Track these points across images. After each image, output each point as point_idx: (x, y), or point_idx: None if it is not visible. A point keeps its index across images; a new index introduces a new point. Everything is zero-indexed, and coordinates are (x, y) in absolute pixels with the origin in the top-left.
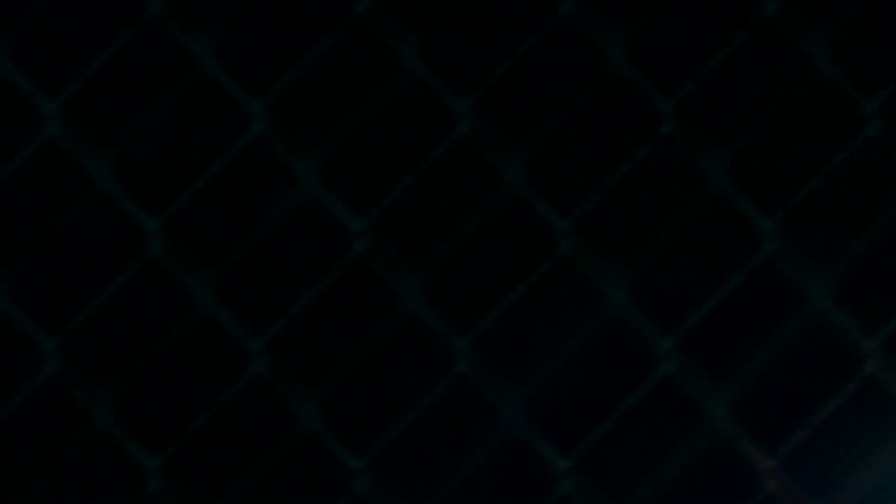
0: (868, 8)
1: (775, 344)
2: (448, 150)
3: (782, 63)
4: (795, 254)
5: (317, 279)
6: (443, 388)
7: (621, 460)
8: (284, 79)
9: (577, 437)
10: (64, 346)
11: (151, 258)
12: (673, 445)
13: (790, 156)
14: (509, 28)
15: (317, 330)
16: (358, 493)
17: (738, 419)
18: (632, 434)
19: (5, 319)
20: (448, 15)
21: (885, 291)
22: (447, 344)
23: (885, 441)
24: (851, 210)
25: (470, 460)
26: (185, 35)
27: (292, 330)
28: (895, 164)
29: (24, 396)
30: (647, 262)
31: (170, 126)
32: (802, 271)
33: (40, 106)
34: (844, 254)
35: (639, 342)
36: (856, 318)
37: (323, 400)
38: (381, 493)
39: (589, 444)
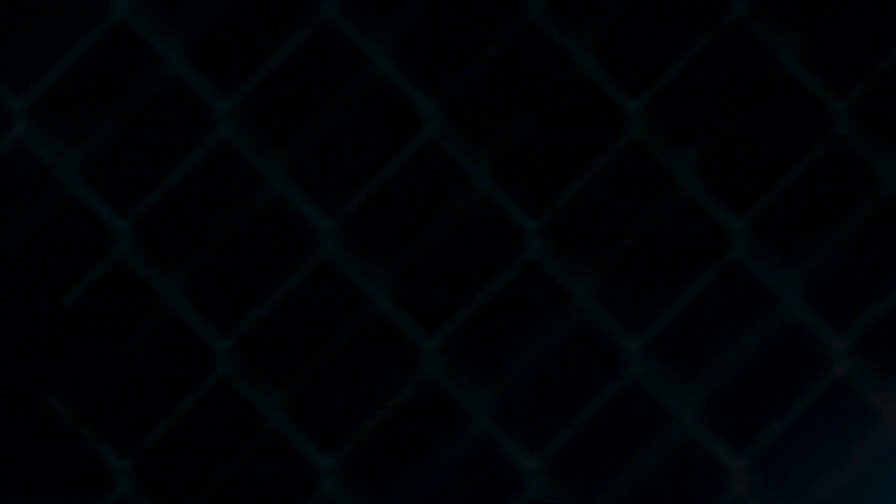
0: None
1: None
2: (620, 153)
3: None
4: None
5: (489, 281)
6: (614, 390)
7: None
8: (458, 80)
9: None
10: (237, 346)
11: (324, 259)
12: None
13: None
14: (686, 28)
15: (491, 331)
16: (531, 496)
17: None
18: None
19: (179, 320)
20: (619, 18)
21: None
22: (617, 346)
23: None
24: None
25: (642, 461)
26: (360, 37)
27: (466, 330)
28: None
29: (198, 397)
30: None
31: (344, 127)
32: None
33: (213, 106)
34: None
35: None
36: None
37: (494, 401)
38: (554, 492)
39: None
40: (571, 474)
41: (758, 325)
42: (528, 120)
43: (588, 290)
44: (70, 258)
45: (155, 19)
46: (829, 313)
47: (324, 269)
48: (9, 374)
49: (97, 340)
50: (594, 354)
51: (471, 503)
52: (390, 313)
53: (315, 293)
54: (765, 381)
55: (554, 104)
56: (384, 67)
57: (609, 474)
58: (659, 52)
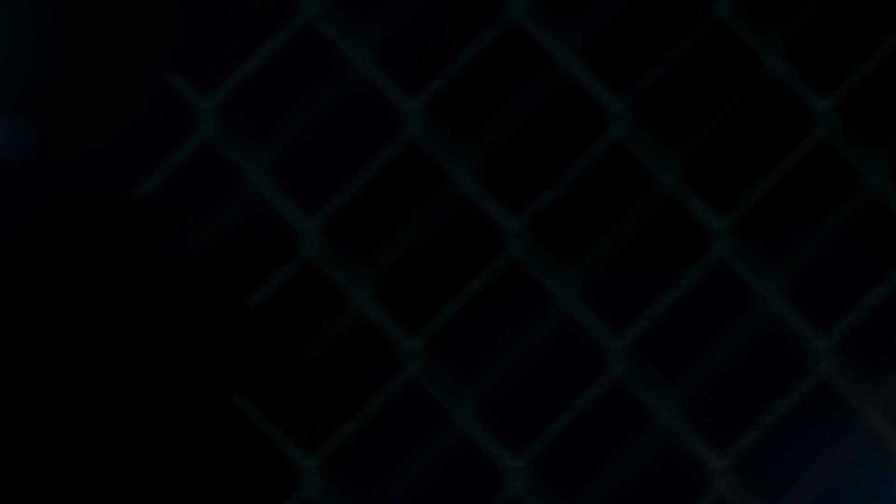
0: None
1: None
2: (809, 151)
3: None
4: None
5: (676, 280)
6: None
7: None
8: (645, 80)
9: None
10: (424, 346)
11: (512, 259)
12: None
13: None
14: (874, 27)
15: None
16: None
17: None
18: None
19: (367, 320)
20: (807, 18)
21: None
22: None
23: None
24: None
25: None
26: (547, 36)
27: (653, 329)
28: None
29: (385, 397)
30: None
31: (531, 126)
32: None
33: (401, 107)
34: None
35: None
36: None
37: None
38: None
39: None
40: (758, 473)
41: None
42: (714, 119)
43: (777, 289)
44: (258, 259)
45: (342, 20)
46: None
47: (511, 269)
48: (198, 375)
49: (285, 341)
50: (784, 353)
51: (659, 502)
52: (577, 313)
53: (502, 293)
54: None
55: (742, 103)
56: (570, 67)
57: (799, 474)
58: (845, 51)
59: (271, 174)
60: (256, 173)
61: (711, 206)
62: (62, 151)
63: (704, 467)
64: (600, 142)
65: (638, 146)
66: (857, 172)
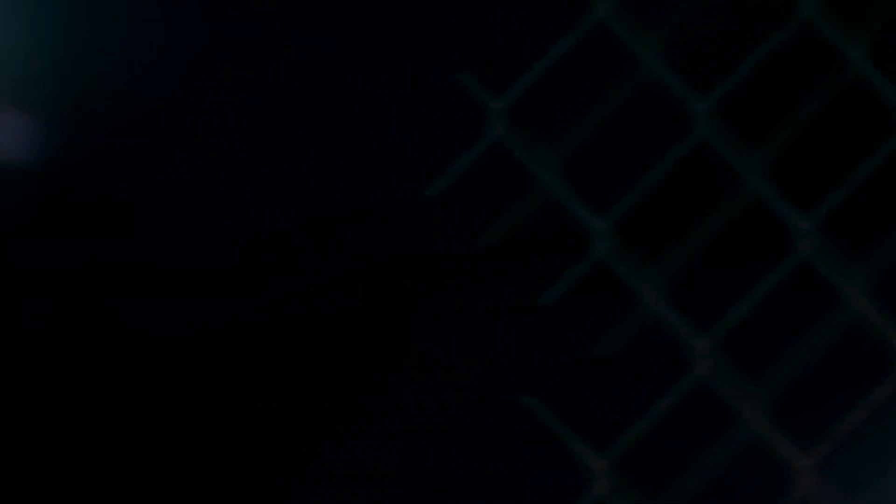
0: None
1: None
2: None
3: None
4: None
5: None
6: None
7: None
8: None
9: None
10: (715, 346)
11: (802, 259)
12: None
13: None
14: None
15: None
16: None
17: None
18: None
19: (657, 320)
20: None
21: None
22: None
23: None
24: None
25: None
26: (838, 36)
27: None
28: None
29: (675, 398)
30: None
31: (822, 126)
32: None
33: (691, 107)
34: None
35: None
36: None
37: None
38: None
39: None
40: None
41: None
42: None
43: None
44: (548, 259)
45: (633, 19)
46: None
47: (802, 269)
48: (481, 374)
49: (575, 341)
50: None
51: None
52: (867, 313)
53: (793, 293)
54: None
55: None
56: (861, 66)
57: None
58: None
59: (561, 174)
60: (546, 173)
61: None
62: (362, 151)
63: None
64: (890, 142)
65: None
66: None
